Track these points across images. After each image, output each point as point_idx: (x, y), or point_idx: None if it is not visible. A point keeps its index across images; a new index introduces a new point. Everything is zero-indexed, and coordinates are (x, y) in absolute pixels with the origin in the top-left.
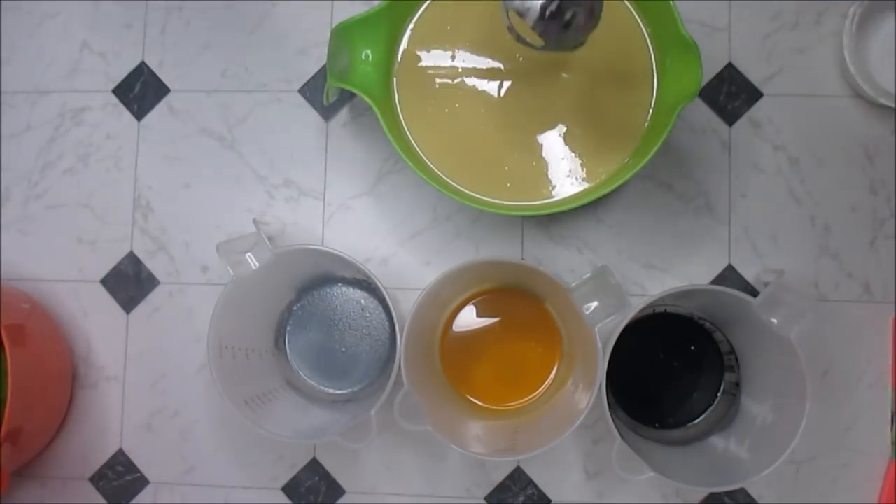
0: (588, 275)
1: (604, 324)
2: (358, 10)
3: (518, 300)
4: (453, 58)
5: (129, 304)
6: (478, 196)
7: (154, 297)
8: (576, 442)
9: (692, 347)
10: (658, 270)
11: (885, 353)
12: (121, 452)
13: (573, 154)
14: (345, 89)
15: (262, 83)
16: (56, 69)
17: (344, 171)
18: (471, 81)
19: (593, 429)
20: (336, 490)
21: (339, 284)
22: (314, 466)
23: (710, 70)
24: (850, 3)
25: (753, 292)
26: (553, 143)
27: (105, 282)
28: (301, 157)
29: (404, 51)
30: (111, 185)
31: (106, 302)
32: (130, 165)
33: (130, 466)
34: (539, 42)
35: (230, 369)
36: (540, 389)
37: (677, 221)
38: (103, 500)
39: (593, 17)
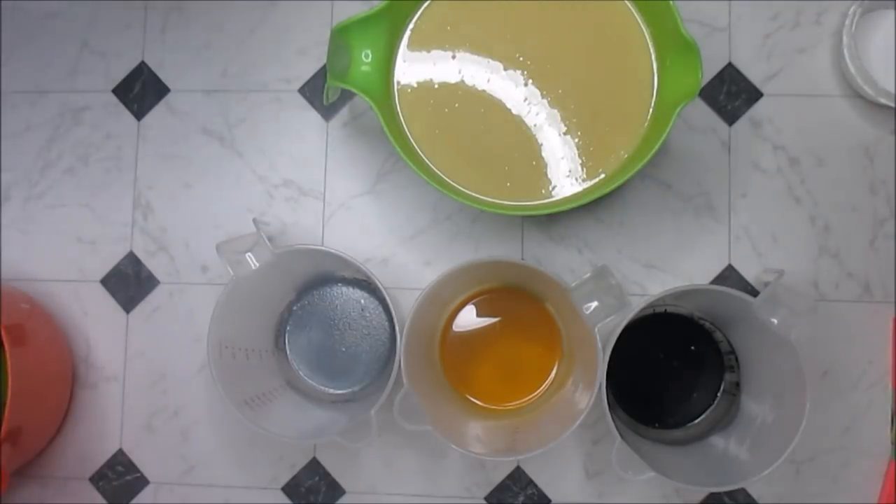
0: (588, 275)
1: (604, 324)
2: (358, 10)
3: (518, 300)
4: (453, 58)
5: (129, 304)
6: (478, 196)
7: (154, 297)
8: (576, 442)
9: (692, 347)
10: (658, 270)
11: (885, 353)
12: (121, 452)
13: (573, 154)
14: (345, 89)
15: (262, 83)
16: (56, 69)
17: (344, 171)
18: (471, 81)
19: (593, 429)
20: (336, 490)
21: (339, 284)
22: (314, 466)
23: (710, 70)
24: (850, 3)
25: (753, 292)
26: (553, 143)
27: (105, 282)
28: (301, 157)
29: (404, 51)
30: (111, 185)
31: (106, 302)
32: (130, 165)
33: (130, 466)
34: None
35: (230, 369)
36: (540, 389)
37: (677, 221)
38: (103, 500)
39: None
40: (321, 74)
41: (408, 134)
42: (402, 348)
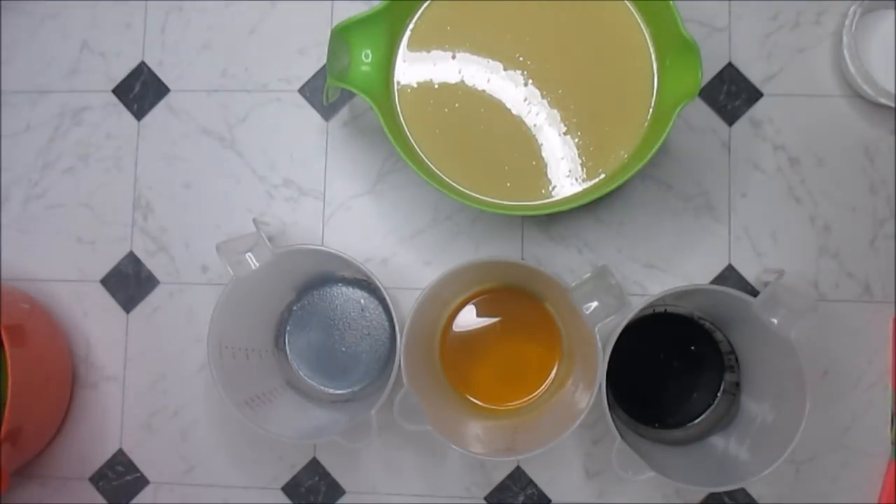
0: (588, 274)
1: (604, 323)
2: (358, 10)
3: (518, 300)
4: (453, 58)
5: (129, 304)
6: (478, 196)
7: (154, 297)
8: (576, 442)
9: (692, 347)
10: (658, 270)
11: (885, 353)
12: (121, 452)
13: (573, 154)
14: (345, 89)
15: (262, 83)
16: (56, 69)
17: (344, 171)
18: (471, 81)
19: (593, 429)
20: (336, 490)
21: (339, 284)
22: (314, 466)
23: (710, 70)
24: (850, 3)
25: (753, 292)
26: (553, 143)
27: (105, 282)
28: (301, 157)
29: (404, 51)
30: (111, 185)
31: (106, 302)
32: (130, 165)
33: (130, 466)
34: None
35: (230, 369)
36: (540, 389)
37: (677, 221)
38: (103, 500)
39: None
40: (321, 74)
41: (408, 134)
42: (402, 348)
